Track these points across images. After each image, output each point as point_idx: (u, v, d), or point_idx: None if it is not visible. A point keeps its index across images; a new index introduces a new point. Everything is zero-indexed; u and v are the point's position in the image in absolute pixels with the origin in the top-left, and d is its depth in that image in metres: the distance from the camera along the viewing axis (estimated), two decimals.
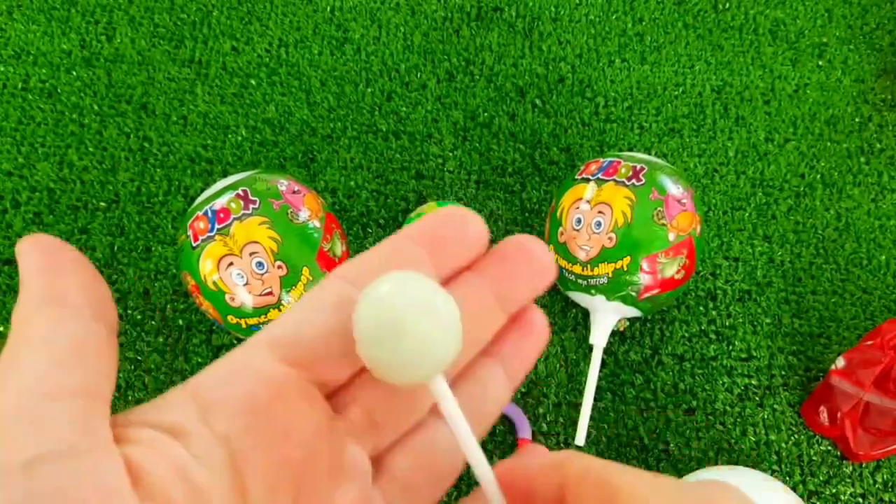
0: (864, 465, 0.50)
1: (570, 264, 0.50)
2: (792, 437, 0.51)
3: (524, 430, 0.51)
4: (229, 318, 0.46)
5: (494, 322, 0.19)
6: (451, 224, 0.19)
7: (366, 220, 0.58)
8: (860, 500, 0.50)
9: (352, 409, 0.18)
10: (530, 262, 0.19)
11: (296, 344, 0.17)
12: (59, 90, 0.63)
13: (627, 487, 0.15)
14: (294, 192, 0.47)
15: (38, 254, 0.15)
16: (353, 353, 0.17)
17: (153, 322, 0.54)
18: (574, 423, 0.51)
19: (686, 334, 0.55)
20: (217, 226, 0.44)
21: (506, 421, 0.52)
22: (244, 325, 0.46)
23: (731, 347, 0.54)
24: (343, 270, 0.18)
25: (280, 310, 0.45)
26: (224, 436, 0.16)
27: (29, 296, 0.15)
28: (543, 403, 0.52)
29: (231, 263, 0.44)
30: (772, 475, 0.49)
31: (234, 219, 0.44)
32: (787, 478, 0.50)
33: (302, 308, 0.18)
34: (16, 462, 0.13)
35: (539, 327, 0.20)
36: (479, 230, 0.19)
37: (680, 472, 0.50)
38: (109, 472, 0.13)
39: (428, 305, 0.16)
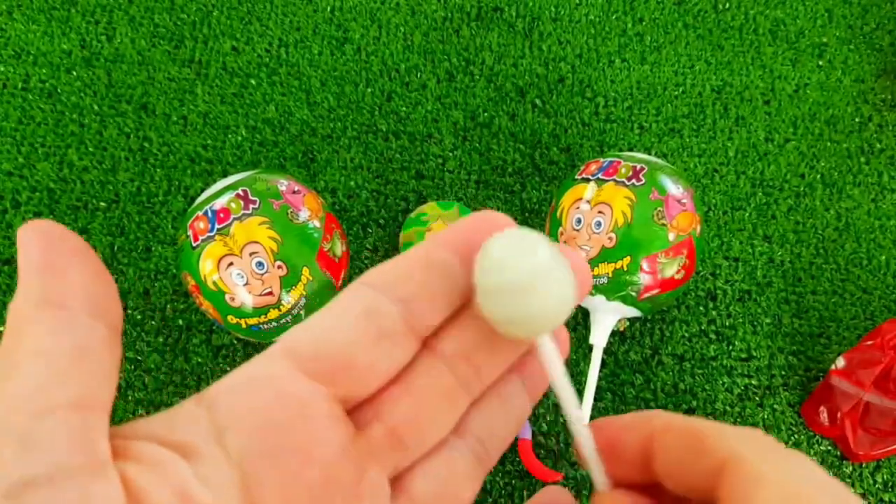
0: (864, 466, 0.50)
1: None
2: (792, 438, 0.51)
3: (524, 430, 0.51)
4: (229, 318, 0.46)
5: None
6: (484, 230, 0.18)
7: (366, 220, 0.59)
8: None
9: (374, 427, 0.17)
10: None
11: (320, 356, 0.16)
12: (59, 90, 0.63)
13: (712, 432, 0.15)
14: (294, 192, 0.47)
15: (38, 245, 0.14)
16: (379, 365, 0.17)
17: (153, 322, 0.54)
18: None
19: (686, 334, 0.55)
20: (217, 226, 0.44)
21: None
22: (244, 325, 0.46)
23: (731, 347, 0.54)
24: (370, 277, 0.17)
25: (280, 310, 0.45)
26: (238, 457, 0.15)
27: (27, 294, 0.14)
28: (543, 403, 0.52)
29: (231, 263, 0.44)
30: None
31: (234, 219, 0.44)
32: None
33: (326, 316, 0.17)
34: (1, 486, 0.12)
35: (563, 342, 0.20)
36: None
37: None
38: (104, 495, 0.12)
39: (557, 267, 0.16)
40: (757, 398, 0.53)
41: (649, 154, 0.62)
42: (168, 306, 0.54)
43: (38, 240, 0.14)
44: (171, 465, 0.14)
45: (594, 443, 0.17)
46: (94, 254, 0.15)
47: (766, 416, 0.52)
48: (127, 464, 0.13)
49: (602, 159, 0.52)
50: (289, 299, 0.45)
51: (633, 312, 0.50)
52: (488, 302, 0.16)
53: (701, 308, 0.56)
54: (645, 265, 0.48)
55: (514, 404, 0.19)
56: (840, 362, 0.50)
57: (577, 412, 0.18)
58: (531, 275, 0.16)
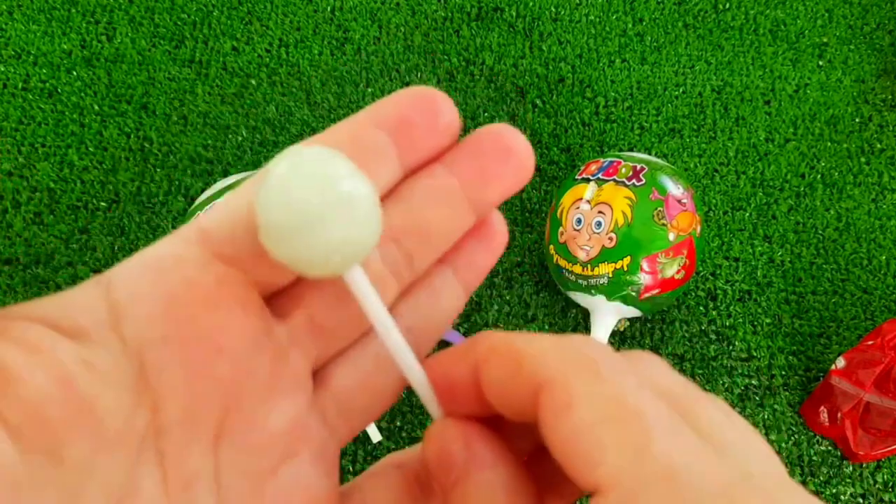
0: (864, 466, 0.50)
1: (571, 264, 0.50)
2: (792, 438, 0.51)
3: (454, 336, 0.51)
4: None
5: (462, 224, 0.17)
6: (420, 107, 0.16)
7: None
8: (860, 500, 0.50)
9: (295, 315, 0.16)
10: (507, 157, 0.17)
11: (236, 238, 0.15)
12: (59, 90, 0.63)
13: (529, 354, 0.14)
14: None
15: None
16: None
17: None
18: None
19: (686, 334, 0.55)
20: None
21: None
22: None
23: (731, 347, 0.54)
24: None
25: None
26: (136, 344, 0.14)
27: None
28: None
29: None
30: None
31: None
32: None
33: (240, 197, 0.15)
34: None
35: (498, 232, 0.18)
36: (452, 116, 0.17)
37: None
38: None
39: (342, 188, 0.14)
40: (757, 398, 0.53)
41: (649, 154, 0.62)
42: None
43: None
44: (54, 347, 0.13)
45: (424, 375, 0.16)
46: None
47: (766, 417, 0.52)
48: (2, 345, 0.12)
49: (602, 159, 0.52)
50: None
51: (633, 312, 0.50)
52: (272, 240, 0.14)
53: (701, 308, 0.56)
54: (645, 265, 0.48)
55: (444, 296, 0.18)
56: (840, 362, 0.50)
57: (399, 343, 0.16)
58: (320, 205, 0.14)
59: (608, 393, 0.13)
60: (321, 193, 0.14)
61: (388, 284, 0.17)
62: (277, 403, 0.15)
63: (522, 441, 0.17)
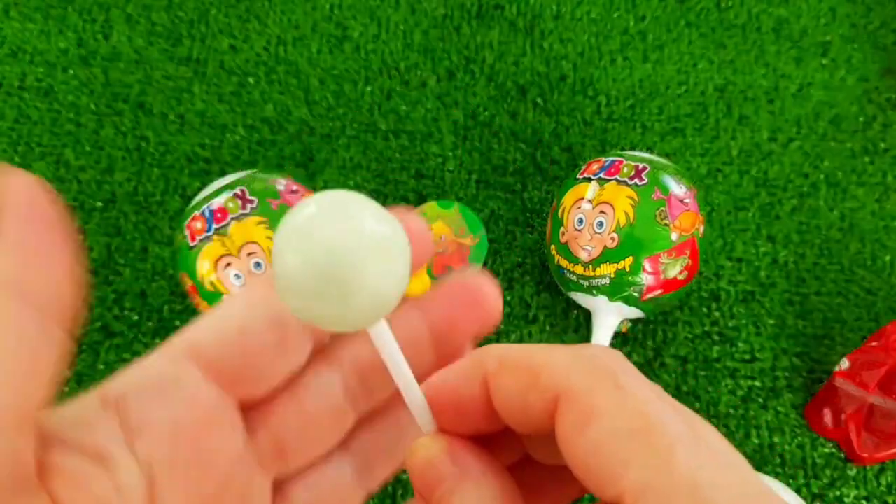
0: (868, 468, 0.50)
1: (572, 265, 0.49)
2: (796, 440, 0.51)
3: None
4: None
5: (424, 366, 0.18)
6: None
7: None
8: (864, 502, 0.49)
9: (261, 434, 0.17)
10: (476, 307, 0.18)
11: (224, 358, 0.16)
12: (55, 89, 0.63)
13: (546, 366, 0.14)
14: (292, 192, 0.47)
15: (22, 214, 0.12)
16: (279, 371, 0.16)
17: (150, 323, 0.53)
18: None
19: (689, 336, 0.54)
20: (214, 226, 0.44)
21: None
22: None
23: (734, 349, 0.54)
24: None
25: None
26: (147, 464, 0.15)
27: None
28: None
29: (229, 264, 0.43)
30: (775, 477, 0.49)
31: (232, 218, 0.44)
32: (791, 480, 0.50)
33: (226, 309, 0.16)
34: None
35: (493, 309, 0.19)
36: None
37: None
38: None
39: (377, 231, 0.12)
40: (761, 400, 0.52)
41: (652, 153, 0.61)
42: (165, 307, 0.54)
43: (24, 206, 0.13)
44: (93, 478, 0.14)
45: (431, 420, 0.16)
46: (73, 240, 0.14)
47: (769, 419, 0.52)
48: (51, 481, 0.13)
49: (604, 158, 0.51)
50: None
51: (635, 313, 0.50)
52: (292, 292, 0.13)
53: (704, 309, 0.55)
54: (647, 266, 0.47)
55: (405, 428, 0.19)
56: (844, 364, 0.50)
57: (419, 399, 0.16)
58: (352, 250, 0.12)
59: (630, 405, 0.13)
60: (353, 237, 0.12)
61: (344, 414, 0.18)
62: None
63: (506, 454, 0.17)
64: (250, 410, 0.17)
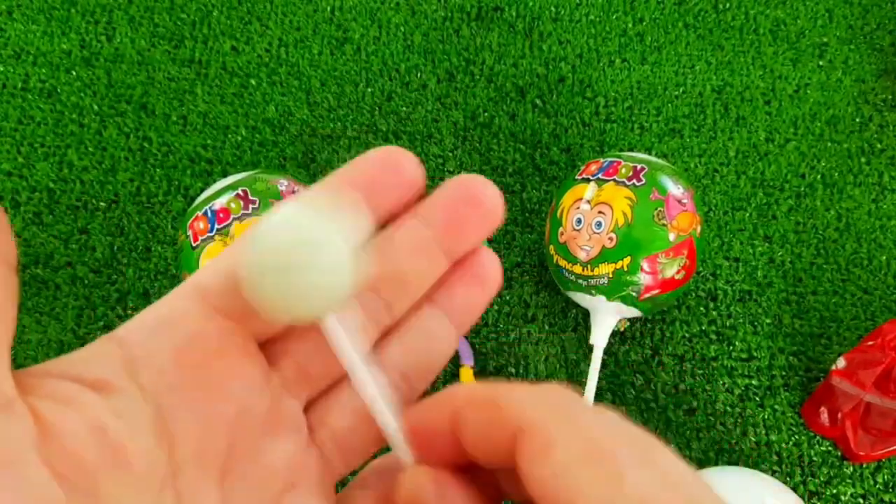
0: (864, 466, 0.50)
1: (571, 264, 0.50)
2: (792, 438, 0.51)
3: (466, 356, 0.51)
4: None
5: (435, 269, 0.19)
6: (386, 166, 0.18)
7: None
8: (861, 500, 0.49)
9: (284, 362, 0.17)
10: (476, 206, 0.18)
11: (228, 292, 0.16)
12: (58, 90, 0.63)
13: (507, 399, 0.15)
14: (294, 193, 0.47)
15: None
16: None
17: None
18: None
19: (686, 335, 0.55)
20: (217, 226, 0.44)
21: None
22: None
23: (731, 348, 0.54)
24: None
25: None
26: (152, 392, 0.15)
27: None
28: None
29: None
30: (772, 476, 0.49)
31: (234, 219, 0.44)
32: (788, 478, 0.50)
33: (232, 254, 0.17)
34: None
35: (489, 271, 0.19)
36: (415, 172, 0.18)
37: None
38: (12, 431, 0.12)
39: (313, 236, 0.15)
40: (757, 398, 0.53)
41: (650, 154, 0.62)
42: None
43: None
44: (85, 399, 0.14)
45: (397, 423, 0.17)
46: None
47: (766, 417, 0.52)
48: (38, 399, 0.13)
49: (602, 159, 0.52)
50: None
51: (633, 313, 0.50)
52: (251, 287, 0.15)
53: (701, 308, 0.56)
54: (645, 265, 0.48)
55: (437, 339, 0.19)
56: (841, 363, 0.50)
57: (374, 392, 0.17)
58: (291, 250, 0.15)
59: (583, 435, 0.14)
60: (293, 240, 0.15)
61: (367, 330, 0.18)
62: (277, 442, 0.17)
63: (489, 488, 0.17)
64: (272, 342, 0.17)
